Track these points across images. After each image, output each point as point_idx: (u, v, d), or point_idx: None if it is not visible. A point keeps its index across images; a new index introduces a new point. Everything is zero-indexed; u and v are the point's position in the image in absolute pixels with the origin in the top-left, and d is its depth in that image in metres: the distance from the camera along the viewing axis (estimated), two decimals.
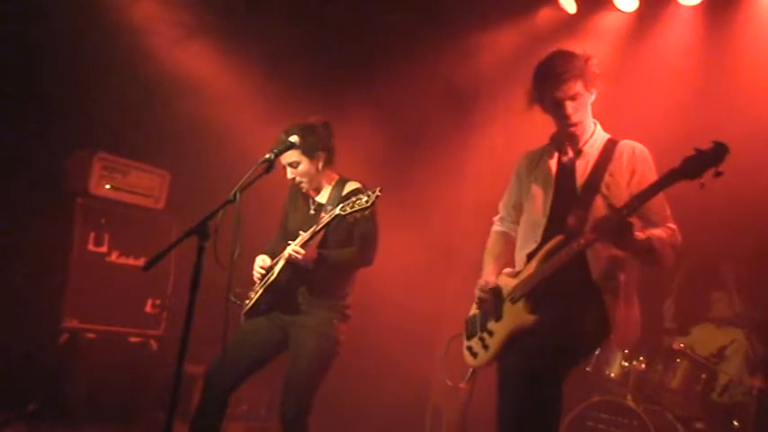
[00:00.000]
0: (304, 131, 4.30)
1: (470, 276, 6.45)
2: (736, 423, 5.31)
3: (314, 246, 4.23)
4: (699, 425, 5.39)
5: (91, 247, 6.03)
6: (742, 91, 5.57)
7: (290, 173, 4.41)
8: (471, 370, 3.87)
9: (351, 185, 4.45)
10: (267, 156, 3.82)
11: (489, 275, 3.84)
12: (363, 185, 4.42)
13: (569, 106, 3.58)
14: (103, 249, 6.10)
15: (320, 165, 4.42)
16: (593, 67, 3.59)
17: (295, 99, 6.29)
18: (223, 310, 3.71)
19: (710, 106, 5.49)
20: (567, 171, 3.67)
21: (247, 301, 4.43)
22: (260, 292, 4.36)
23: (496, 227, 4.09)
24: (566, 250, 3.44)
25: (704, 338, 5.81)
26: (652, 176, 3.49)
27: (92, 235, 6.03)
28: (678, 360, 5.62)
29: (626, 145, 3.65)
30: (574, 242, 3.41)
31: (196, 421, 4.30)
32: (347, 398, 6.11)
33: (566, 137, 3.71)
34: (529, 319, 3.51)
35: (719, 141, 3.14)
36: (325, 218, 4.12)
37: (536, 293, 3.54)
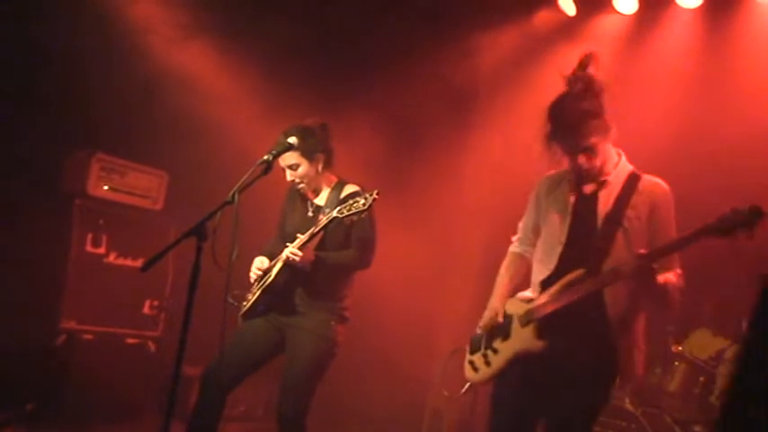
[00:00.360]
0: (303, 133, 4.30)
1: (469, 277, 6.50)
2: None
3: (311, 248, 4.22)
4: (697, 428, 5.38)
5: (89, 248, 6.02)
6: (741, 93, 5.57)
7: (289, 175, 4.40)
8: (468, 384, 3.86)
9: (349, 188, 4.44)
10: (266, 157, 3.82)
11: (498, 301, 3.77)
12: (362, 188, 4.41)
13: (583, 158, 3.49)
14: (101, 250, 6.09)
15: (319, 167, 4.41)
16: (608, 97, 3.53)
17: (293, 100, 6.28)
18: (221, 312, 3.70)
19: (709, 108, 5.49)
20: (588, 200, 3.59)
21: (245, 303, 4.43)
22: (257, 293, 4.35)
23: (513, 248, 3.99)
24: (585, 286, 3.38)
25: (703, 342, 5.80)
26: (671, 217, 3.48)
27: (90, 236, 6.02)
28: (677, 363, 5.62)
29: (648, 181, 3.56)
30: (594, 280, 3.38)
31: (193, 422, 4.29)
32: (344, 399, 6.11)
33: (585, 173, 3.59)
34: (537, 344, 3.47)
35: (757, 206, 3.09)
36: (323, 220, 4.12)
37: (547, 321, 3.47)
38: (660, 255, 3.28)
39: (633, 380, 3.66)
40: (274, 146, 4.07)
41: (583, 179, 3.59)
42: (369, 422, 6.35)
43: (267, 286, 4.30)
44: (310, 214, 4.47)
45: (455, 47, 6.59)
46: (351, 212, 3.98)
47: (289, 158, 4.30)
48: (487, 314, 3.75)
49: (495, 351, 3.64)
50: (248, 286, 4.44)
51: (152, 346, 6.28)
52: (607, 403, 3.76)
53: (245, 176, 3.65)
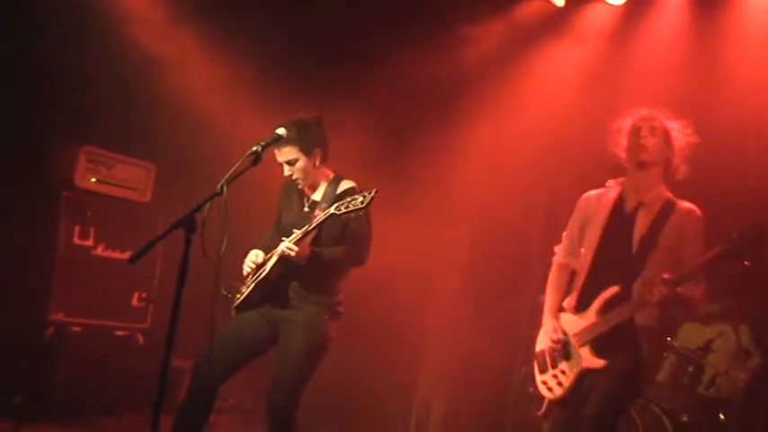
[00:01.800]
0: (301, 128, 4.28)
1: (456, 268, 6.51)
2: (722, 416, 5.34)
3: (307, 243, 4.20)
4: (685, 418, 5.41)
5: (77, 240, 6.00)
6: (730, 82, 5.58)
7: (287, 170, 4.37)
8: (547, 401, 4.15)
9: (345, 184, 4.42)
10: (255, 148, 3.79)
11: (554, 317, 4.15)
12: (357, 184, 4.40)
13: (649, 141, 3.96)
14: (89, 243, 6.07)
15: (317, 161, 4.38)
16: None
17: (282, 92, 6.27)
18: (210, 304, 3.69)
19: (698, 97, 5.49)
20: (626, 220, 3.99)
21: (238, 296, 4.41)
22: (251, 286, 4.33)
23: (558, 258, 4.34)
24: (624, 310, 3.83)
25: (691, 333, 5.83)
26: (699, 241, 3.88)
27: (77, 228, 6.00)
28: (665, 354, 5.65)
29: (683, 207, 3.95)
30: (629, 305, 3.84)
31: (182, 414, 4.28)
32: (334, 392, 6.11)
33: (633, 181, 4.03)
34: (597, 362, 3.89)
35: (757, 226, 3.56)
36: (320, 216, 4.09)
37: (599, 340, 3.90)
38: (683, 280, 3.70)
39: (653, 382, 4.06)
40: (266, 138, 4.04)
41: (628, 191, 4.03)
42: (357, 413, 6.36)
43: (261, 280, 4.28)
44: (306, 209, 4.44)
45: (443, 39, 6.59)
46: (348, 210, 3.96)
47: (287, 154, 4.29)
48: (547, 332, 4.14)
49: (563, 372, 4.04)
50: (239, 278, 4.42)
51: (141, 339, 6.27)
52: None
53: (234, 168, 3.63)
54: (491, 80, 6.61)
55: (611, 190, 4.12)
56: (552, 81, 6.38)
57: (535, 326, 4.48)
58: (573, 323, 4.04)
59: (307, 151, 4.31)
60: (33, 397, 5.58)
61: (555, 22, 6.49)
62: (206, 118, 6.57)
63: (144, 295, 6.30)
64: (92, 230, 6.08)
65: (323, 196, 4.40)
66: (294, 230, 4.22)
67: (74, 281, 5.93)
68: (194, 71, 6.64)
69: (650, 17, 6.14)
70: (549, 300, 4.23)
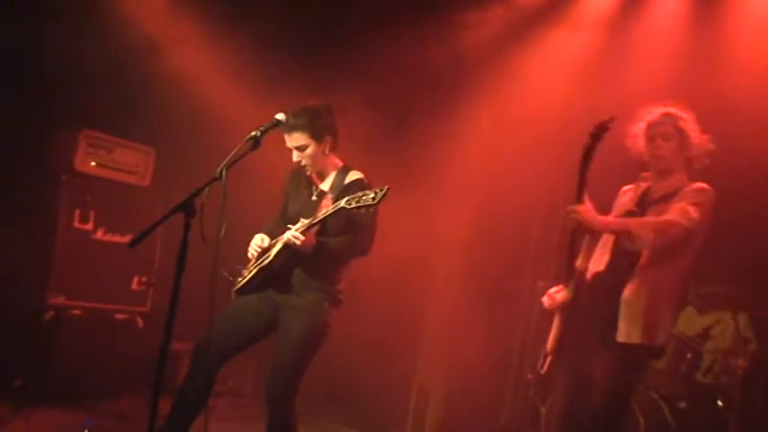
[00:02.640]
0: (312, 114, 4.31)
1: (456, 253, 6.51)
2: (720, 403, 5.35)
3: (313, 233, 4.22)
4: (683, 404, 5.43)
5: (76, 224, 6.00)
6: (732, 67, 5.56)
7: (296, 156, 4.38)
8: (549, 360, 4.20)
9: (354, 175, 4.44)
10: (254, 133, 3.80)
11: None
12: (365, 177, 4.43)
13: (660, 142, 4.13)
14: (89, 226, 6.07)
15: (327, 149, 4.40)
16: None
17: (281, 78, 6.27)
18: (209, 288, 3.70)
19: (700, 83, 5.48)
20: (646, 205, 4.17)
21: (240, 279, 4.43)
22: (254, 271, 4.35)
23: None
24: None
25: (689, 320, 5.84)
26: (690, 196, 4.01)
27: (77, 212, 6.00)
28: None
29: (693, 186, 4.07)
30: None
31: (181, 396, 4.29)
32: (333, 379, 6.13)
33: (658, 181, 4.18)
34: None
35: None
36: (330, 209, 4.09)
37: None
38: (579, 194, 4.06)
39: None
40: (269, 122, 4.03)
41: (653, 191, 4.18)
42: (355, 400, 6.38)
43: (264, 266, 4.30)
44: (314, 198, 4.46)
45: (441, 23, 6.56)
46: (359, 205, 3.93)
47: (297, 139, 4.31)
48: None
49: None
50: (239, 262, 4.44)
51: (140, 322, 6.28)
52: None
53: (233, 152, 3.64)
54: (489, 66, 6.58)
55: (642, 185, 4.25)
56: (551, 67, 6.35)
57: (533, 311, 4.51)
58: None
59: (317, 138, 4.33)
60: (33, 380, 5.60)
61: (554, 8, 6.44)
62: (206, 102, 6.56)
63: (144, 279, 6.31)
64: (91, 214, 6.08)
65: (331, 186, 4.42)
66: (301, 219, 4.24)
67: (73, 265, 5.93)
68: (195, 55, 6.62)
69: (650, 3, 6.11)
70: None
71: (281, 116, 4.07)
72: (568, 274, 4.14)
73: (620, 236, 4.02)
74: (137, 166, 6.36)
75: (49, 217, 5.88)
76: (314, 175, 4.48)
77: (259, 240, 4.42)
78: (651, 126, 4.12)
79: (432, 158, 6.51)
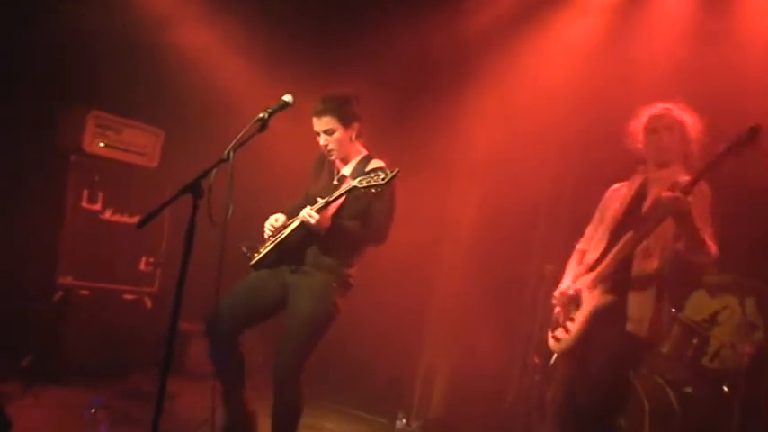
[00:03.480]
0: (341, 100, 4.43)
1: (462, 236, 6.51)
2: (725, 388, 5.35)
3: (329, 214, 4.29)
4: (688, 389, 5.43)
5: (85, 204, 6.02)
6: (741, 53, 5.52)
7: (323, 139, 4.46)
8: (555, 356, 4.30)
9: (375, 163, 4.49)
10: (261, 115, 3.79)
11: (570, 280, 4.33)
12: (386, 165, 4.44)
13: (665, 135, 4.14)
14: (97, 207, 6.09)
15: (353, 135, 4.50)
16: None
17: (289, 60, 6.27)
18: (217, 268, 3.71)
19: (707, 71, 5.46)
20: (642, 196, 4.18)
21: (256, 254, 4.51)
22: (269, 247, 4.44)
23: (580, 246, 4.50)
24: (632, 238, 3.99)
25: (697, 304, 5.83)
26: (702, 214, 3.96)
27: (85, 193, 6.02)
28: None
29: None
30: (643, 228, 3.97)
31: (219, 374, 4.41)
32: (341, 357, 6.14)
33: (655, 176, 4.19)
34: (607, 298, 4.04)
35: (754, 125, 3.76)
36: (342, 188, 4.17)
37: (613, 278, 4.05)
38: (694, 183, 3.83)
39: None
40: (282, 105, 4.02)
41: (648, 186, 4.18)
42: (362, 379, 6.41)
43: (279, 242, 4.38)
44: (335, 182, 4.51)
45: (448, 9, 6.55)
46: (369, 185, 4.01)
47: (326, 123, 4.41)
48: (561, 287, 4.31)
49: (572, 320, 4.16)
50: (249, 241, 4.49)
51: (148, 302, 6.31)
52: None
53: (241, 134, 3.63)
54: (495, 51, 6.56)
55: (636, 180, 4.27)
56: (557, 51, 6.34)
57: (540, 295, 4.53)
58: (587, 279, 4.19)
59: (345, 123, 4.44)
60: (42, 360, 5.64)
61: None
62: (215, 83, 6.56)
63: (152, 259, 6.34)
64: (100, 195, 6.10)
65: (352, 172, 4.48)
66: (318, 199, 4.30)
67: (82, 245, 5.96)
68: (204, 36, 6.62)
69: None
70: (564, 282, 4.37)
71: (288, 98, 4.07)
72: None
73: (686, 239, 3.92)
74: (145, 147, 6.37)
75: (58, 198, 5.91)
76: (338, 161, 4.56)
77: (273, 220, 4.49)
78: (653, 119, 4.15)
79: (437, 144, 6.50)
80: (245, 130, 3.65)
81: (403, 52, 6.59)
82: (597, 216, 4.44)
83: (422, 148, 6.38)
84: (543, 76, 6.26)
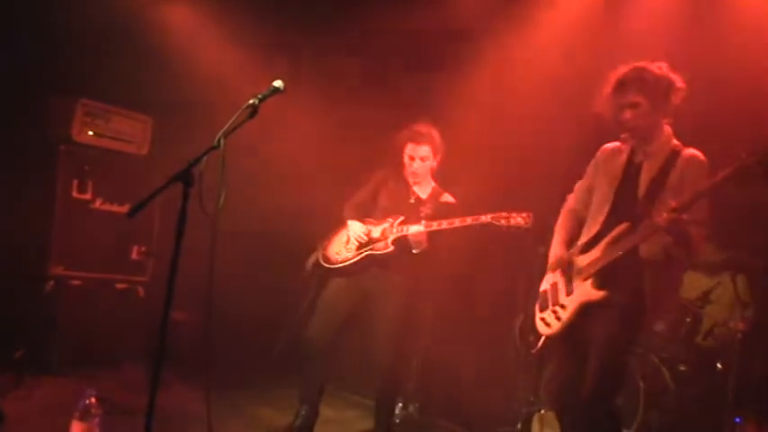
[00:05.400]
0: (438, 135, 5.17)
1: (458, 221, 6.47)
2: (719, 366, 5.38)
3: (427, 236, 5.00)
4: (683, 367, 5.45)
5: (75, 194, 6.00)
6: (736, 30, 5.51)
7: (416, 164, 5.15)
8: (543, 338, 4.25)
9: (447, 197, 5.24)
10: (252, 101, 3.75)
11: (561, 249, 4.28)
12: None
13: (628, 113, 3.96)
14: (87, 196, 6.07)
15: (435, 165, 5.23)
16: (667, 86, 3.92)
17: (280, 44, 6.22)
18: (209, 257, 3.69)
19: (702, 44, 5.44)
20: (635, 170, 4.04)
21: (337, 256, 5.16)
22: (363, 255, 5.09)
23: (569, 204, 4.43)
24: (628, 241, 3.88)
25: (690, 282, 5.84)
26: (701, 176, 3.85)
27: (75, 182, 6.00)
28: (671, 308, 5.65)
29: (687, 153, 3.95)
30: (634, 235, 3.86)
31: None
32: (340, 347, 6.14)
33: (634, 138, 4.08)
34: (598, 294, 3.96)
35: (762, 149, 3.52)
36: (469, 221, 4.81)
37: (602, 274, 3.98)
38: (689, 204, 3.67)
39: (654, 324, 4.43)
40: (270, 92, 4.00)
41: (636, 152, 4.07)
42: (361, 368, 6.41)
43: (374, 255, 5.08)
44: (412, 201, 5.20)
45: None
46: (509, 225, 4.73)
47: (425, 150, 5.14)
48: (553, 259, 4.27)
49: (563, 306, 4.11)
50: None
51: (141, 292, 6.29)
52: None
53: (231, 121, 3.60)
54: (490, 33, 6.53)
55: (626, 144, 4.15)
56: (553, 28, 6.32)
57: (535, 276, 4.51)
58: (578, 262, 4.12)
59: (436, 155, 5.19)
60: (35, 350, 5.62)
61: None
62: (203, 70, 6.52)
63: (143, 248, 6.32)
64: (90, 184, 6.08)
65: (428, 198, 5.22)
66: (388, 219, 5.08)
67: (73, 235, 5.94)
68: (191, 23, 6.57)
69: None
70: (557, 237, 4.35)
71: (278, 84, 4.02)
72: None
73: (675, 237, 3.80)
74: (134, 134, 6.34)
75: (48, 187, 5.88)
76: (416, 183, 5.23)
77: (365, 229, 5.12)
78: (616, 93, 3.96)
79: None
80: (235, 117, 3.62)
81: (395, 33, 6.56)
82: (590, 173, 4.31)
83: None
84: (539, 52, 6.26)
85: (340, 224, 5.32)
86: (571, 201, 4.41)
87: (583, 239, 4.17)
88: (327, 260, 5.21)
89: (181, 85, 6.45)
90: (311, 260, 5.36)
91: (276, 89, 4.00)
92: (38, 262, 5.83)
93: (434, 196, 5.22)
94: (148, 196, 3.45)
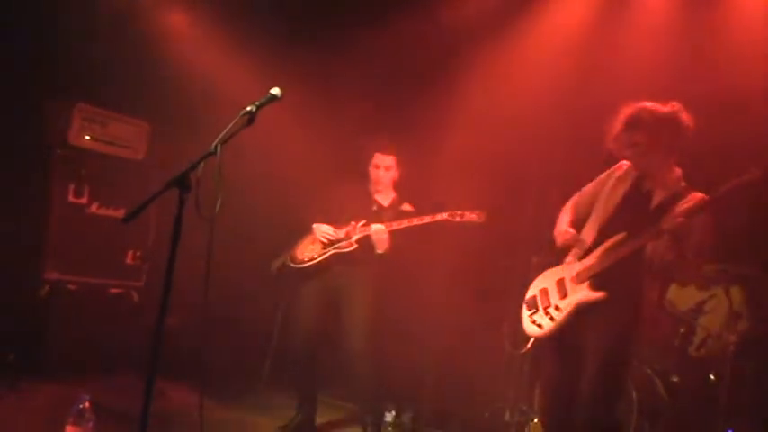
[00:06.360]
0: (402, 147, 5.44)
1: (450, 232, 6.50)
2: (712, 377, 5.39)
3: (389, 236, 5.26)
4: (676, 378, 5.46)
5: (71, 198, 6.00)
6: (727, 48, 5.53)
7: (381, 173, 5.44)
8: (533, 339, 4.39)
9: (407, 206, 5.50)
10: (249, 108, 3.75)
11: (570, 227, 4.29)
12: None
13: (629, 152, 4.12)
14: (83, 201, 6.07)
15: (397, 176, 5.50)
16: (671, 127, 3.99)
17: (279, 52, 6.23)
18: (205, 263, 3.69)
19: (695, 63, 5.47)
20: (644, 193, 4.12)
21: (306, 258, 5.38)
22: (328, 253, 5.35)
23: (574, 199, 4.49)
24: (632, 243, 3.93)
25: (684, 293, 5.86)
26: (704, 230, 4.00)
27: (71, 186, 6.00)
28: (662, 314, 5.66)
29: (694, 196, 3.95)
30: (635, 240, 3.93)
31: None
32: (328, 352, 6.13)
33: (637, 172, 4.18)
34: (595, 295, 4.01)
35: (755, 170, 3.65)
36: (427, 219, 5.18)
37: (600, 277, 4.03)
38: (696, 211, 3.80)
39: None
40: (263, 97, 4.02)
41: (641, 180, 4.14)
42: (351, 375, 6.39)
43: (341, 253, 5.32)
44: (374, 209, 5.46)
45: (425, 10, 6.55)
46: (463, 220, 5.11)
47: (389, 161, 5.43)
48: (568, 236, 4.24)
49: (556, 308, 4.14)
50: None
51: (135, 297, 6.29)
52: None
53: (228, 127, 3.61)
54: (482, 45, 6.55)
55: (631, 171, 4.21)
56: (546, 40, 6.34)
57: (528, 287, 4.51)
58: (574, 267, 4.17)
59: (399, 166, 5.47)
60: (29, 355, 5.61)
61: None
62: (200, 75, 6.53)
63: (138, 253, 6.32)
64: (86, 188, 6.08)
65: (389, 205, 5.48)
66: (352, 222, 5.32)
67: (68, 239, 5.94)
68: (188, 28, 6.58)
69: None
70: (564, 218, 4.39)
71: (276, 91, 4.03)
72: None
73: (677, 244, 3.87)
74: (131, 139, 6.35)
75: (44, 191, 5.88)
76: (376, 192, 5.50)
77: (330, 229, 5.37)
78: (620, 132, 4.08)
79: (425, 134, 6.50)
80: (232, 124, 3.62)
81: (391, 46, 6.58)
82: (602, 179, 4.35)
83: (408, 138, 6.37)
84: (531, 65, 6.27)
85: (306, 231, 5.54)
86: (578, 196, 4.47)
87: (578, 250, 4.21)
88: (294, 260, 5.45)
89: (178, 91, 6.45)
90: (277, 263, 5.58)
91: (273, 96, 4.00)
92: (33, 266, 5.82)
93: (395, 205, 5.50)
94: (144, 202, 3.45)
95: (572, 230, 4.25)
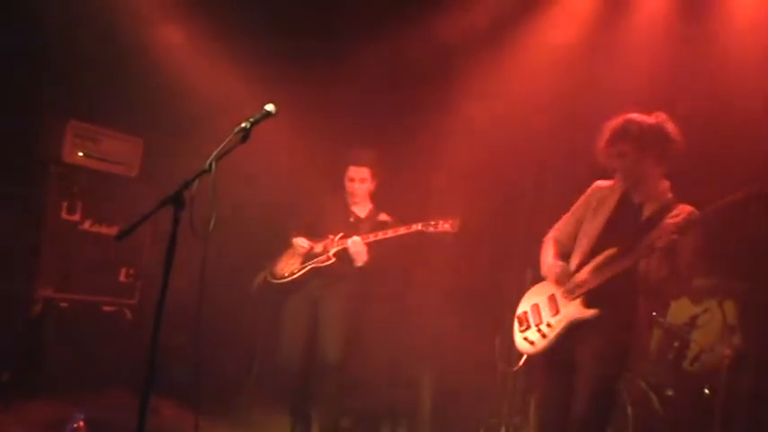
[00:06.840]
0: (379, 157, 5.50)
1: (447, 246, 6.50)
2: (707, 391, 5.39)
3: (367, 248, 5.30)
4: (670, 392, 5.46)
5: (64, 215, 5.98)
6: (722, 62, 5.56)
7: (356, 185, 5.48)
8: (525, 356, 4.36)
9: (384, 216, 5.53)
10: (243, 125, 3.76)
11: (557, 261, 4.27)
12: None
13: (616, 162, 4.12)
14: (76, 218, 6.05)
15: (373, 187, 5.54)
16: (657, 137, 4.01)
17: (271, 65, 6.24)
18: (199, 281, 3.68)
19: (688, 75, 5.49)
20: (634, 207, 4.13)
21: (286, 273, 5.44)
22: (307, 268, 5.42)
23: (554, 234, 4.46)
24: (624, 261, 3.93)
25: (678, 307, 5.87)
26: (693, 243, 3.94)
27: (65, 203, 5.99)
28: (651, 328, 5.67)
29: (684, 209, 3.97)
30: (628, 256, 3.92)
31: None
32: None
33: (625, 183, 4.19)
34: (588, 312, 4.00)
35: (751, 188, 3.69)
36: (402, 231, 5.22)
37: (592, 294, 4.02)
38: (688, 227, 3.80)
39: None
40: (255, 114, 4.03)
41: (630, 192, 4.15)
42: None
43: (321, 268, 5.38)
44: (351, 220, 5.53)
45: (429, 16, 6.56)
46: (437, 231, 5.13)
47: (363, 173, 5.46)
48: (557, 269, 4.20)
49: (549, 325, 4.13)
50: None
51: (129, 315, 6.26)
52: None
53: (223, 144, 3.60)
54: (478, 57, 6.58)
55: (617, 188, 4.22)
56: (540, 51, 6.37)
57: (522, 300, 4.51)
58: (563, 284, 4.16)
59: (374, 178, 5.50)
60: (21, 373, 5.58)
61: None
62: (194, 92, 6.52)
63: (132, 271, 6.29)
64: (79, 205, 6.06)
65: (366, 217, 5.53)
66: (330, 236, 5.39)
67: (61, 256, 5.92)
68: (181, 45, 6.58)
69: None
70: (548, 252, 4.37)
71: (270, 107, 4.03)
72: None
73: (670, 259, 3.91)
74: (124, 156, 6.33)
75: (37, 208, 5.86)
76: (353, 204, 5.54)
77: (308, 244, 5.45)
78: (607, 143, 4.11)
79: (420, 146, 6.51)
80: (226, 141, 3.62)
81: (387, 57, 6.60)
82: (580, 204, 4.37)
83: (403, 152, 6.39)
84: (527, 78, 6.29)
85: (286, 246, 5.60)
86: (555, 231, 4.46)
87: (572, 265, 4.19)
88: (275, 276, 5.53)
89: (171, 108, 6.44)
90: (257, 280, 5.65)
91: (268, 113, 4.01)
92: (26, 283, 5.79)
93: (372, 216, 5.56)
94: (138, 220, 3.44)
95: (560, 263, 4.24)
